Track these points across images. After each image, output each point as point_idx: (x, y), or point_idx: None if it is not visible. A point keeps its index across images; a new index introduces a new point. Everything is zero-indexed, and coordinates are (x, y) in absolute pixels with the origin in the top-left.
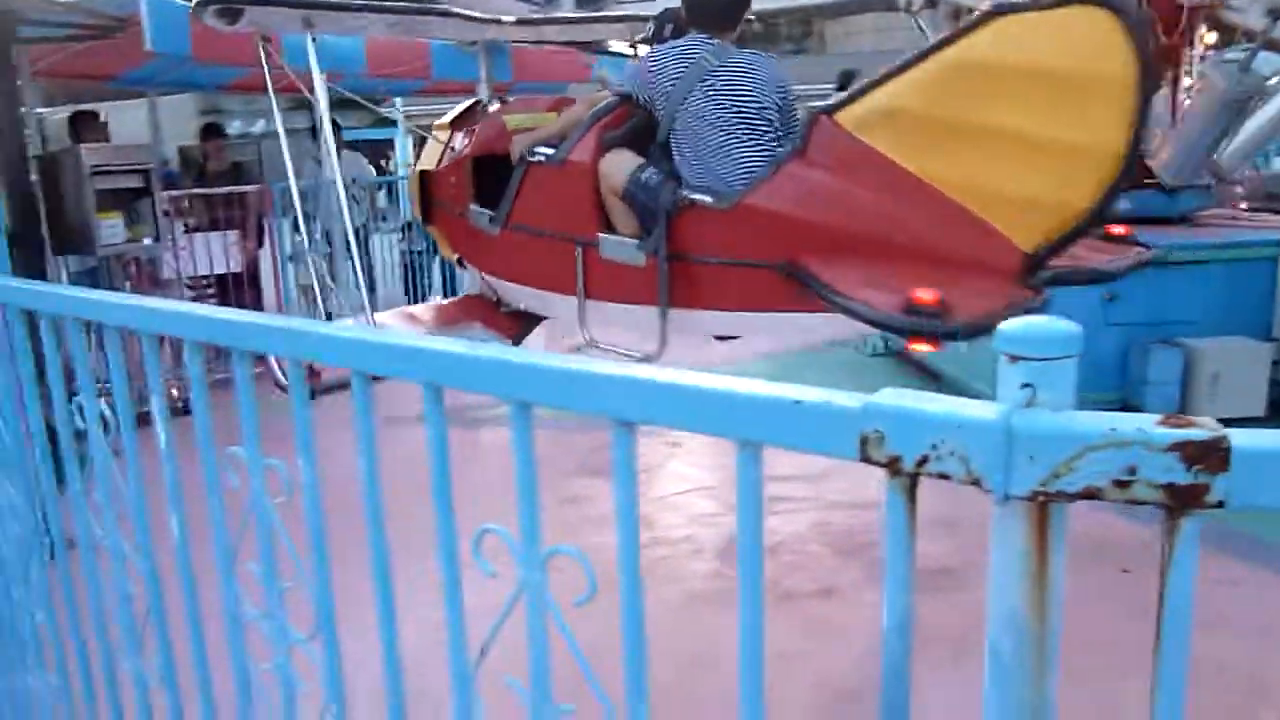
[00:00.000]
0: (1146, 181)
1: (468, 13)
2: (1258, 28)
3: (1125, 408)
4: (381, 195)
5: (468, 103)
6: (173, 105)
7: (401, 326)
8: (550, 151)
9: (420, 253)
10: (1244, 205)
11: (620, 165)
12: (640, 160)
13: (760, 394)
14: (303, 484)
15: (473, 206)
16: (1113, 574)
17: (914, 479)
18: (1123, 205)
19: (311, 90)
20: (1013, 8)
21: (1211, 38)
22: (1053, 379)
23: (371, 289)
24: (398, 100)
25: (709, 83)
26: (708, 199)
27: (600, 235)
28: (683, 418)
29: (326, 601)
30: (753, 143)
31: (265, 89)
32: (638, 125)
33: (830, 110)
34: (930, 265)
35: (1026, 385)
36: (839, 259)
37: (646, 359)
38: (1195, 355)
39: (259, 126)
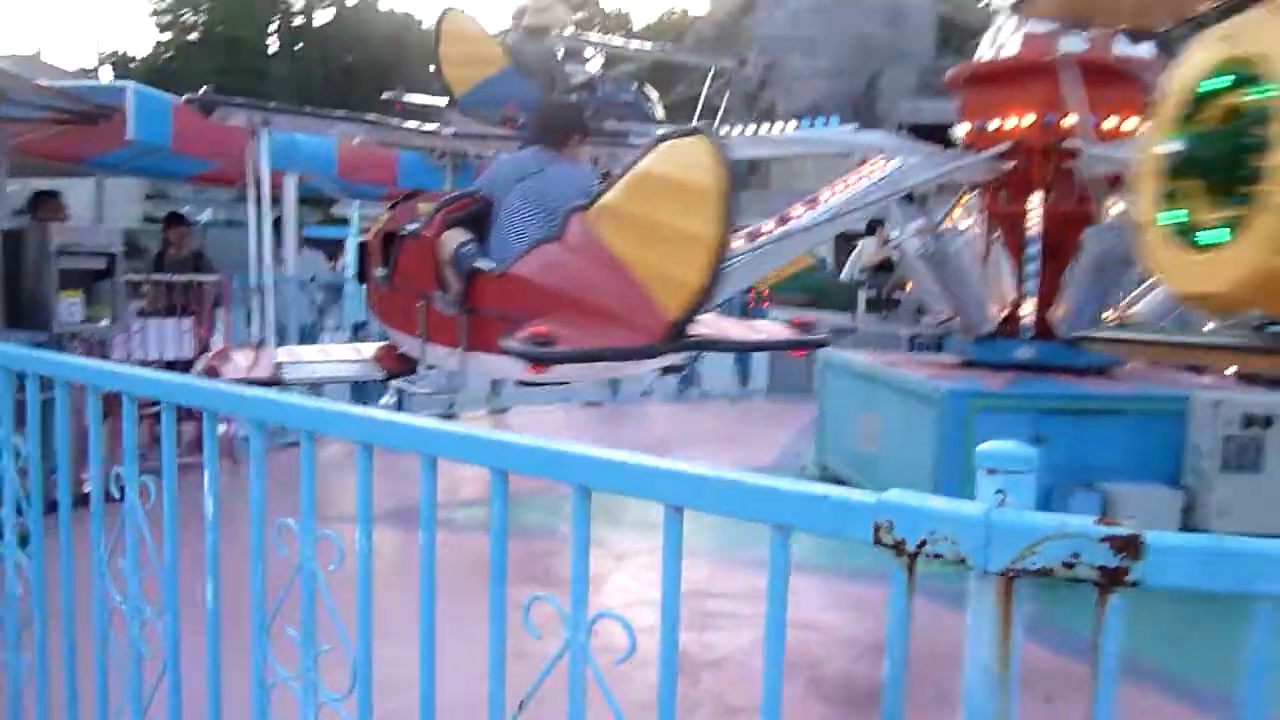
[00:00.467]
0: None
1: (404, 126)
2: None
3: None
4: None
5: (408, 192)
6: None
7: (314, 356)
8: (413, 227)
9: None
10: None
11: (450, 239)
12: (467, 237)
13: (794, 489)
14: (358, 552)
15: (378, 269)
16: (1037, 703)
17: (914, 558)
18: (1029, 353)
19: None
20: (666, 136)
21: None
22: (1019, 487)
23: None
24: (355, 202)
25: (526, 183)
26: (489, 266)
27: (435, 292)
28: (730, 506)
29: (365, 663)
30: (545, 230)
31: (233, 182)
32: (477, 211)
33: (581, 208)
34: (608, 320)
35: (1000, 491)
36: (549, 314)
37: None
38: (1112, 498)
39: (207, 214)
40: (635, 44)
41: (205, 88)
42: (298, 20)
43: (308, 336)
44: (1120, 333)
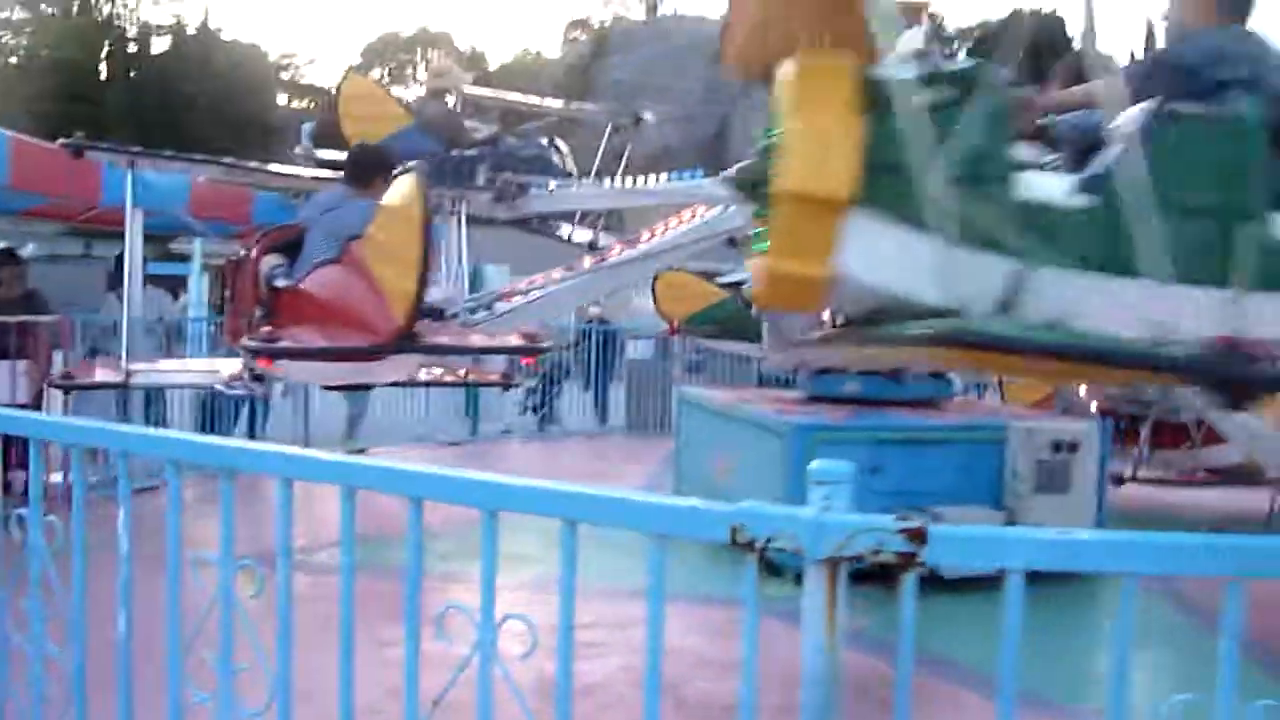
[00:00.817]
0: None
1: (265, 168)
2: None
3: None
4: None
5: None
6: None
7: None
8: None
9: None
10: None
11: (266, 262)
12: (280, 260)
13: (669, 503)
14: (279, 577)
15: (225, 293)
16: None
17: (762, 553)
18: (855, 388)
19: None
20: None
21: None
22: (839, 496)
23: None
24: (197, 240)
25: (328, 215)
26: (285, 282)
27: (255, 309)
28: (617, 519)
29: (285, 677)
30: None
31: (70, 218)
32: (293, 239)
33: (357, 236)
34: (358, 327)
35: (825, 498)
36: (321, 321)
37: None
38: (940, 521)
39: (30, 249)
40: (535, 99)
41: (79, 134)
42: (132, 47)
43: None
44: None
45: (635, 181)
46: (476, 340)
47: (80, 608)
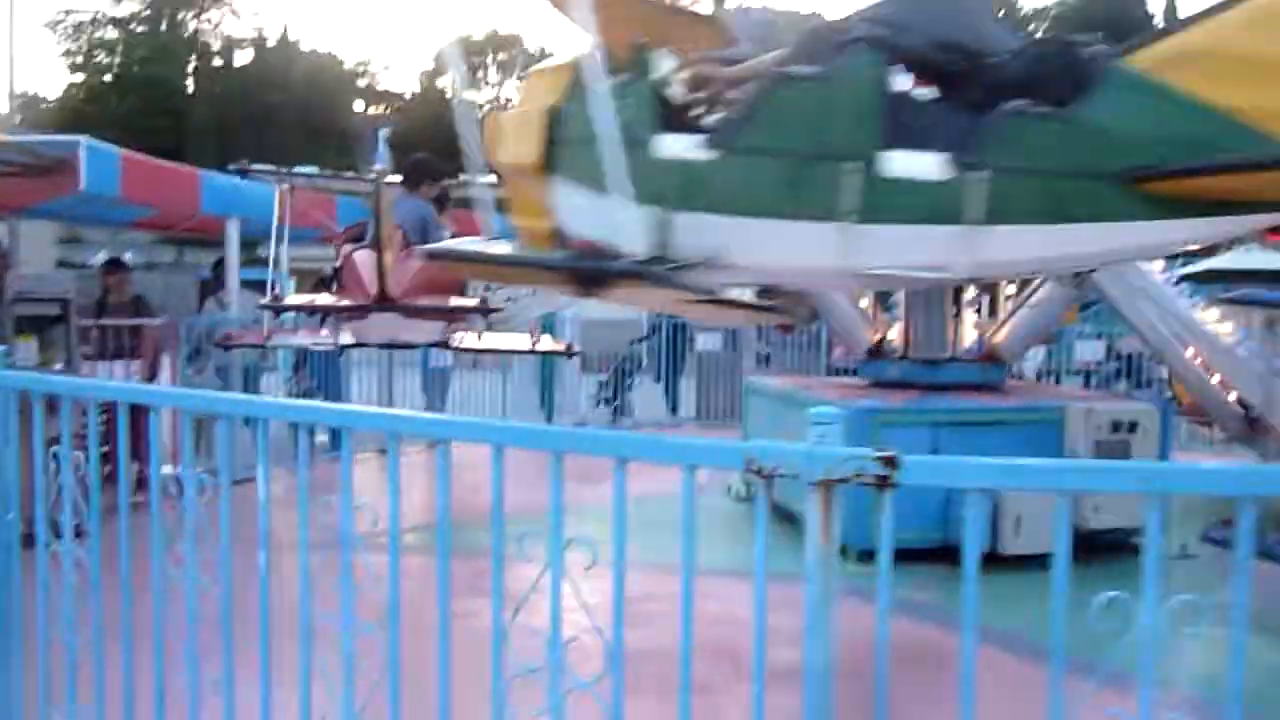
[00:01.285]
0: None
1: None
2: None
3: (947, 547)
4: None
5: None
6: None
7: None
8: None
9: (309, 392)
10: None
11: (344, 249)
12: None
13: (699, 443)
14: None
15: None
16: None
17: (770, 478)
18: (895, 373)
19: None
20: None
21: None
22: (828, 433)
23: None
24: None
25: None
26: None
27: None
28: (658, 456)
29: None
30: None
31: (172, 226)
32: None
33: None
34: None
35: (820, 436)
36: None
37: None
38: (1001, 501)
39: (128, 258)
40: None
41: (244, 160)
42: (216, 61)
43: (251, 378)
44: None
45: None
46: (451, 302)
47: (227, 548)
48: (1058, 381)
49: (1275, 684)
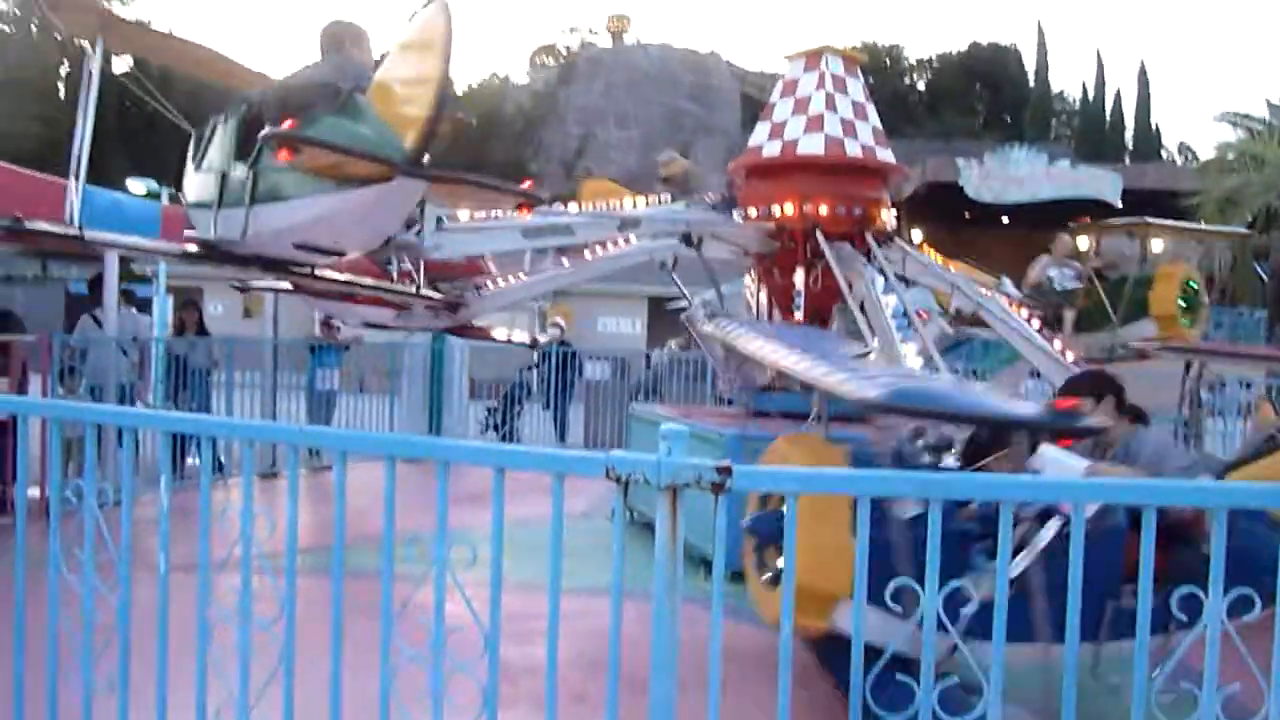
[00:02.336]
0: None
1: None
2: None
3: None
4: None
5: None
6: None
7: None
8: None
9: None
10: None
11: None
12: None
13: (565, 454)
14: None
15: None
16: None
17: (625, 484)
18: (793, 404)
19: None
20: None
21: None
22: (677, 446)
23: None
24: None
25: None
26: None
27: None
28: (529, 464)
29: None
30: None
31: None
32: None
33: None
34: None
35: (668, 448)
36: None
37: None
38: None
39: None
40: None
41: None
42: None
43: (127, 398)
44: None
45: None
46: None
47: (126, 553)
48: None
49: None
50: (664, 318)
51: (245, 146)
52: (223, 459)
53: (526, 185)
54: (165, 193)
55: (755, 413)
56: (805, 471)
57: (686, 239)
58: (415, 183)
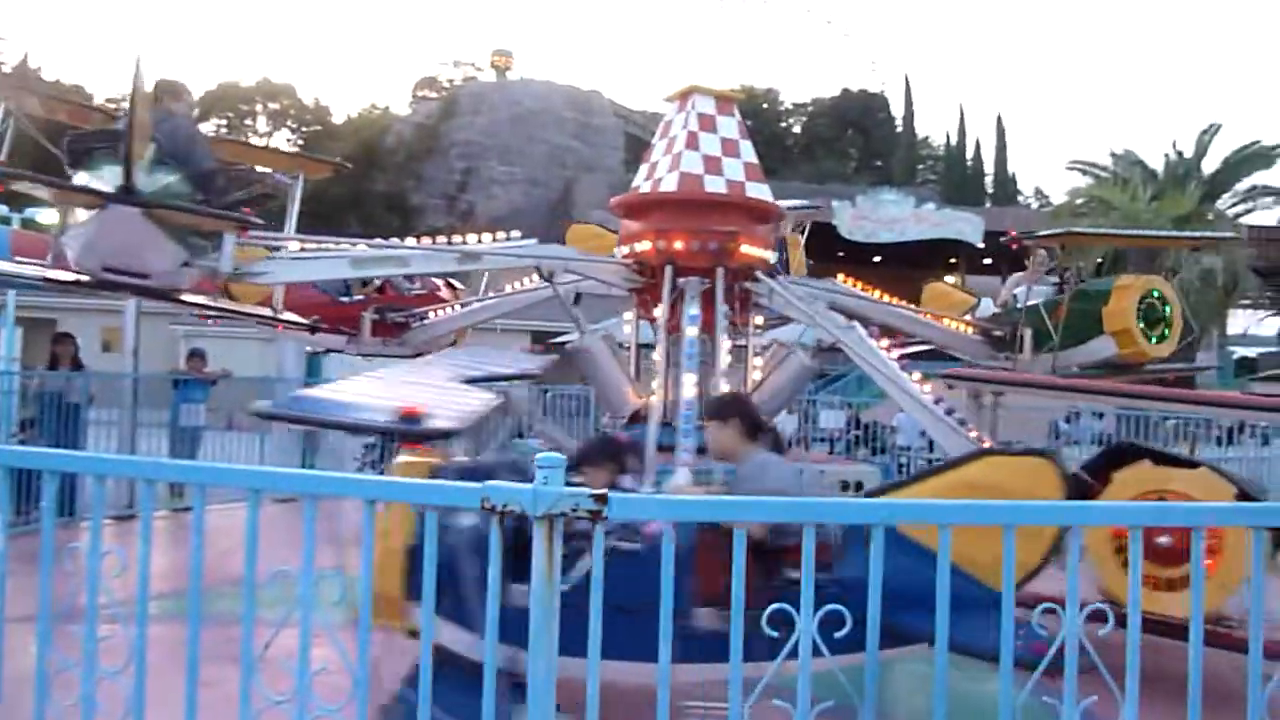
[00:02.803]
0: None
1: None
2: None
3: None
4: None
5: None
6: None
7: None
8: None
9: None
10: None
11: None
12: None
13: (448, 486)
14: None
15: None
16: None
17: (502, 515)
18: (700, 438)
19: None
20: None
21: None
22: (552, 477)
23: None
24: (11, 292)
25: None
26: None
27: None
28: (408, 496)
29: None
30: None
31: None
32: None
33: None
34: None
35: (544, 479)
36: None
37: None
38: None
39: None
40: None
41: None
42: None
43: None
44: None
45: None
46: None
47: None
48: (806, 447)
49: None
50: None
51: None
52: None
53: (245, 212)
54: (16, 218)
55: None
56: (677, 500)
57: (540, 271)
58: (127, 209)
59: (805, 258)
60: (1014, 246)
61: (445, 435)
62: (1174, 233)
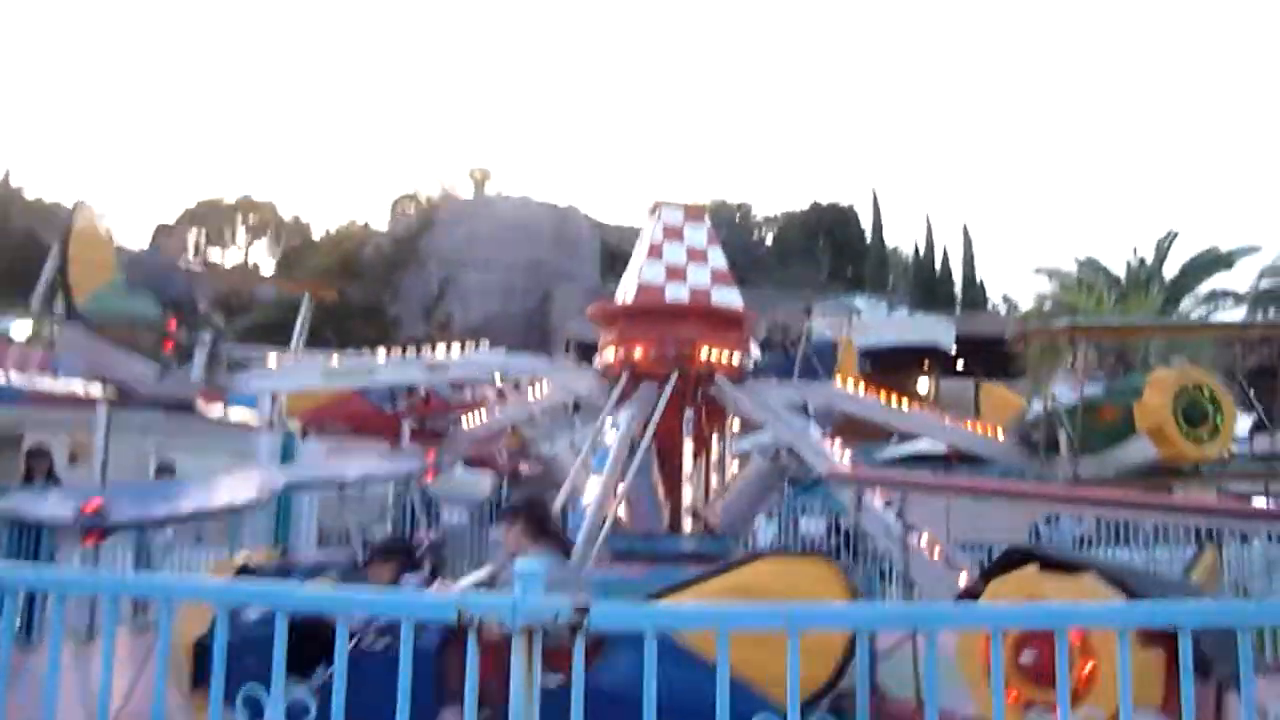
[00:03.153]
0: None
1: None
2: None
3: None
4: None
5: None
6: None
7: None
8: None
9: None
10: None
11: None
12: None
13: (430, 599)
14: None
15: None
16: None
17: (479, 628)
18: (692, 546)
19: None
20: None
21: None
22: (533, 586)
23: None
24: None
25: None
26: None
27: None
28: (389, 609)
29: None
30: None
31: None
32: None
33: None
34: None
35: (524, 589)
36: None
37: None
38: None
39: None
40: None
41: None
42: None
43: None
44: None
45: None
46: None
47: None
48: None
49: None
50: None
51: None
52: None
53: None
54: None
55: (617, 556)
56: (662, 608)
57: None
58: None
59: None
60: (1020, 346)
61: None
62: (1190, 322)
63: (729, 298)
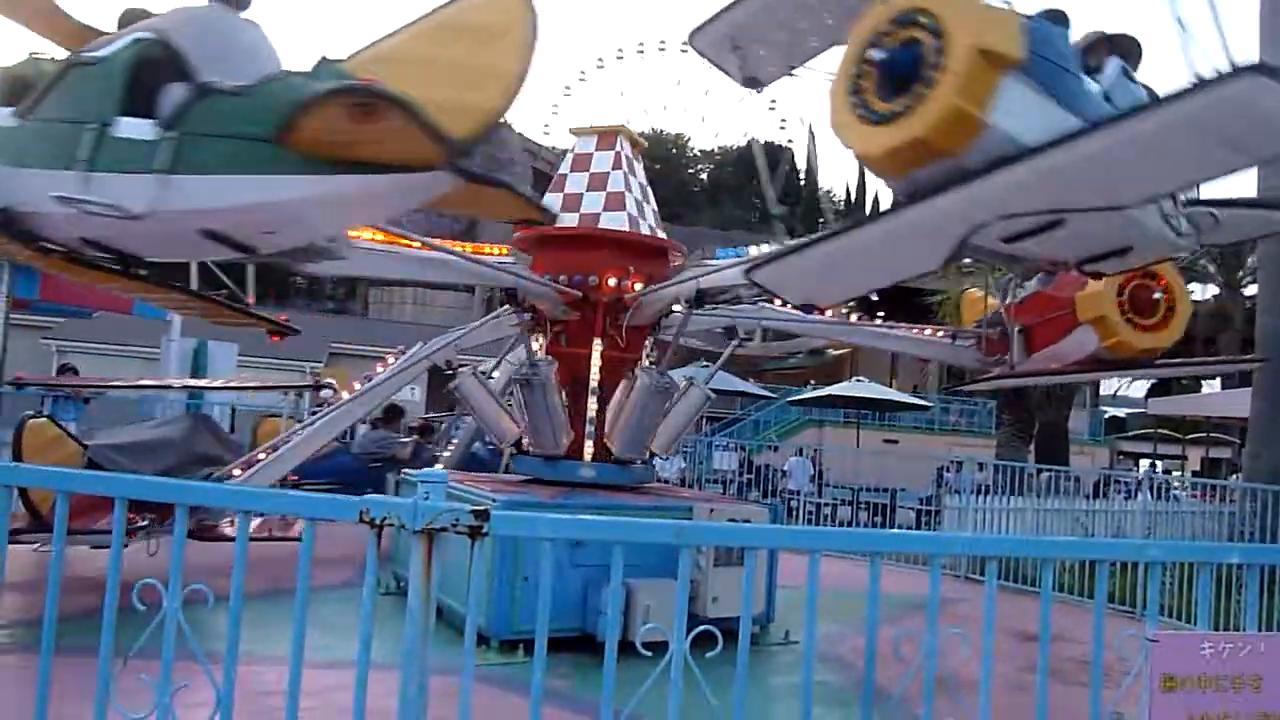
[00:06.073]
0: (609, 457)
1: None
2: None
3: (584, 635)
4: None
5: None
6: None
7: None
8: None
9: None
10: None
11: None
12: None
13: (323, 498)
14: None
15: None
16: None
17: (380, 528)
18: (591, 472)
19: None
20: None
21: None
22: (434, 491)
23: None
24: None
25: None
26: None
27: None
28: (288, 508)
29: None
30: None
31: None
32: None
33: None
34: None
35: (425, 493)
36: None
37: None
38: (634, 592)
39: None
40: None
41: None
42: None
43: None
44: None
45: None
46: None
47: None
48: (700, 487)
49: None
50: (444, 385)
51: (139, 95)
52: None
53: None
54: None
55: (531, 480)
56: (557, 518)
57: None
58: (449, 178)
59: None
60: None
61: None
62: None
63: (616, 221)
